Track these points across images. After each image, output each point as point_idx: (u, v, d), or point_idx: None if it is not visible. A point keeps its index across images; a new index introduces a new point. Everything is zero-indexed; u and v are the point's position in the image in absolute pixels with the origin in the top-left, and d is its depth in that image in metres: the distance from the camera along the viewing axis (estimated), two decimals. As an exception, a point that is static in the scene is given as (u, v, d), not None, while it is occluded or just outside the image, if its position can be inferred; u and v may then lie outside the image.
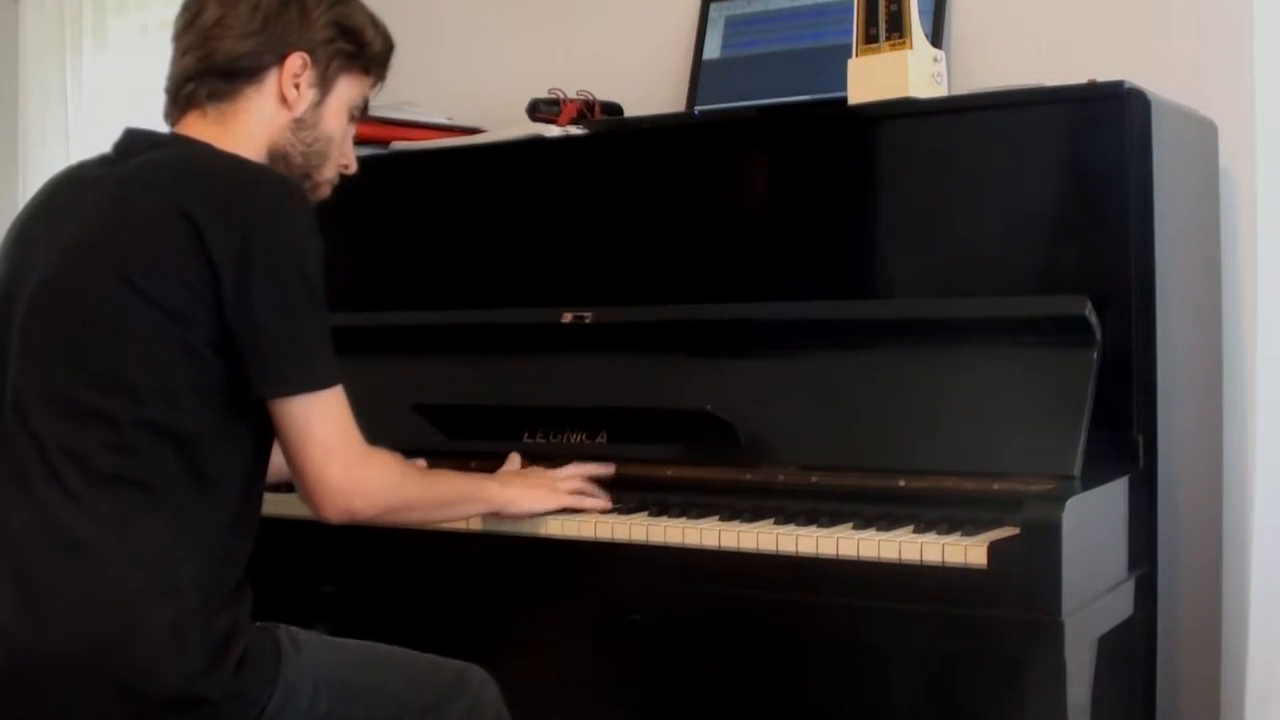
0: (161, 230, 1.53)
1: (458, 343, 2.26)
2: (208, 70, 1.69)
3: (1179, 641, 1.97)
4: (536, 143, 2.30)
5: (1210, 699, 2.19)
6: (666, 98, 2.62)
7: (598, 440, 2.00)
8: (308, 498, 1.61)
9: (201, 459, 1.54)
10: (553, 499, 1.87)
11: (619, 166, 2.27)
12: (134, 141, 1.69)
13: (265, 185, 1.60)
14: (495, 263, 2.36)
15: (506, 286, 2.33)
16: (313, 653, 1.61)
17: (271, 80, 1.71)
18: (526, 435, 2.07)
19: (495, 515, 1.86)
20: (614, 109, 2.52)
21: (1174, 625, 1.93)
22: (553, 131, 2.31)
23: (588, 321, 2.12)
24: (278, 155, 1.73)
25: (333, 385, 1.58)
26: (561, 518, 1.86)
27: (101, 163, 1.70)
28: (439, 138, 2.49)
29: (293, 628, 1.64)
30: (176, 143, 1.69)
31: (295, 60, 1.71)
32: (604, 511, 1.88)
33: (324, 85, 1.74)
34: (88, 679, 1.47)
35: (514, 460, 2.01)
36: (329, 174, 1.80)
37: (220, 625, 1.52)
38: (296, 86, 1.72)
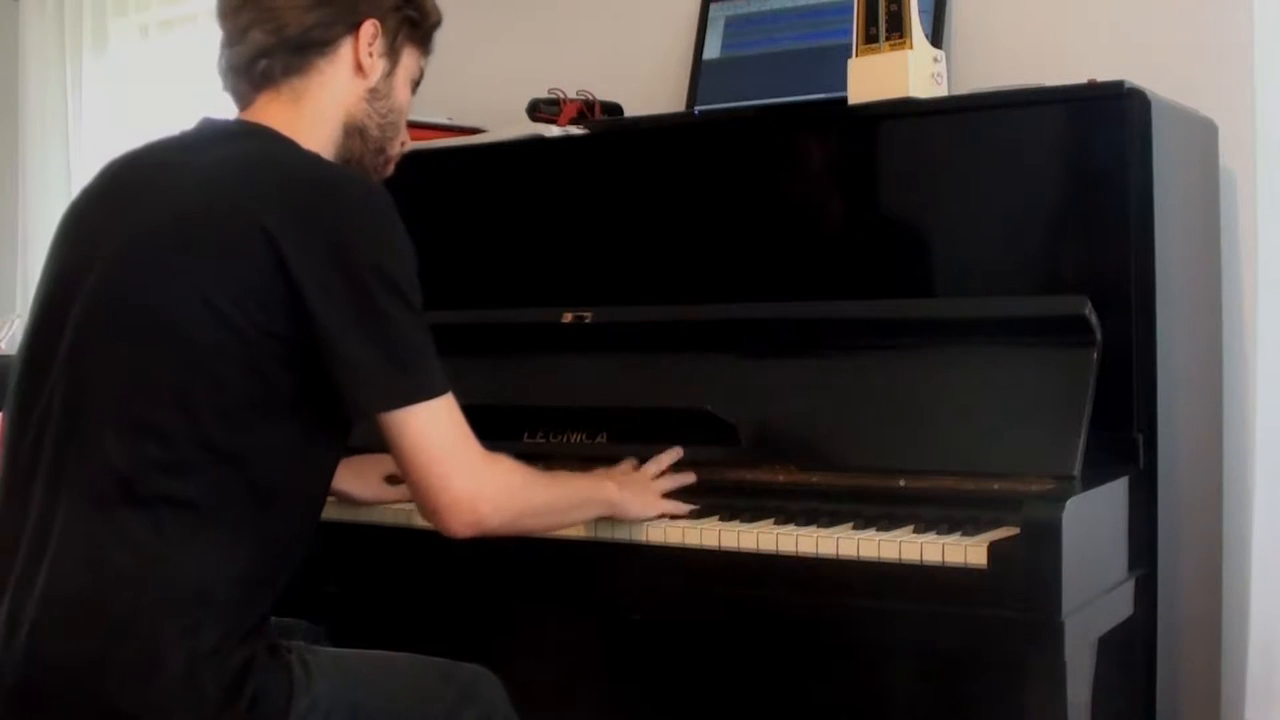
0: (238, 245, 1.46)
1: (457, 342, 2.24)
2: (280, 45, 1.63)
3: (1179, 641, 1.97)
4: (537, 143, 2.30)
5: (1210, 699, 2.19)
6: (666, 98, 2.62)
7: (598, 440, 2.00)
8: (431, 514, 1.54)
9: (256, 479, 1.48)
10: (655, 506, 1.81)
11: (619, 166, 2.27)
12: (211, 130, 1.64)
13: (346, 194, 1.53)
14: (495, 262, 2.36)
15: (506, 286, 2.33)
16: (323, 677, 1.53)
17: (345, 50, 1.66)
18: (526, 435, 2.07)
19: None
20: (614, 109, 2.52)
21: (1174, 625, 1.93)
22: (553, 131, 2.31)
23: (588, 321, 2.12)
24: (354, 129, 1.68)
25: (439, 394, 1.51)
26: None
27: (179, 148, 1.62)
28: (439, 138, 2.49)
29: (303, 645, 1.57)
30: (255, 136, 1.61)
31: (369, 27, 1.66)
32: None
33: (392, 55, 1.70)
34: (94, 709, 1.42)
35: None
36: (398, 148, 1.76)
37: (236, 661, 1.45)
38: (370, 55, 1.67)
